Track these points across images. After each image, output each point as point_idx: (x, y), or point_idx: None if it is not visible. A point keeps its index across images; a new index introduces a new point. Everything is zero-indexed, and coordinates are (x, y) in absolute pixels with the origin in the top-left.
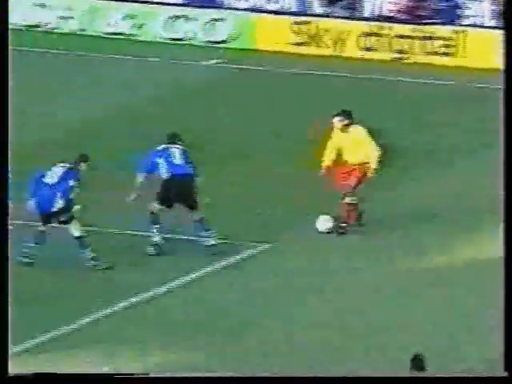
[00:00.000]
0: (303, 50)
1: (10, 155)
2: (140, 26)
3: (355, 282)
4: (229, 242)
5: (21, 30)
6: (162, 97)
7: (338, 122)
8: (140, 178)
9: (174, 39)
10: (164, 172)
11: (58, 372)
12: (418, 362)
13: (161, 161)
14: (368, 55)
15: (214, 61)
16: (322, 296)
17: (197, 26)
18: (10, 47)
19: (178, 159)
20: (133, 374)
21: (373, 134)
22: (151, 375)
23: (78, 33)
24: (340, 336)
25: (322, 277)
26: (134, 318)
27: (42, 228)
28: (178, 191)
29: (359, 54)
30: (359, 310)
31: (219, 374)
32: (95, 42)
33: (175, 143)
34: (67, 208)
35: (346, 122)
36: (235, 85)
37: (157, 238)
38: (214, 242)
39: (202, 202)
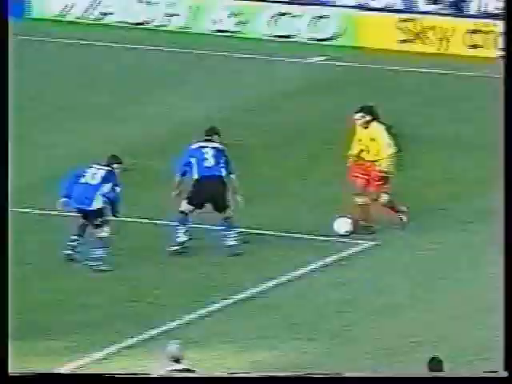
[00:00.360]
0: (408, 47)
1: (10, 157)
2: (245, 23)
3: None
4: (333, 240)
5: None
6: (269, 94)
7: (358, 118)
8: (176, 178)
9: (278, 36)
10: (195, 173)
11: (58, 372)
12: (436, 363)
13: (193, 161)
14: (473, 52)
15: (318, 58)
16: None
17: (301, 24)
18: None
19: (209, 160)
20: (135, 374)
21: (391, 132)
22: (149, 375)
23: (183, 30)
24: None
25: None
26: (238, 315)
27: (83, 221)
28: (207, 193)
29: (465, 51)
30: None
31: (219, 374)
32: (200, 39)
33: (212, 140)
34: (104, 210)
35: (366, 118)
36: (339, 82)
37: (182, 238)
38: (233, 243)
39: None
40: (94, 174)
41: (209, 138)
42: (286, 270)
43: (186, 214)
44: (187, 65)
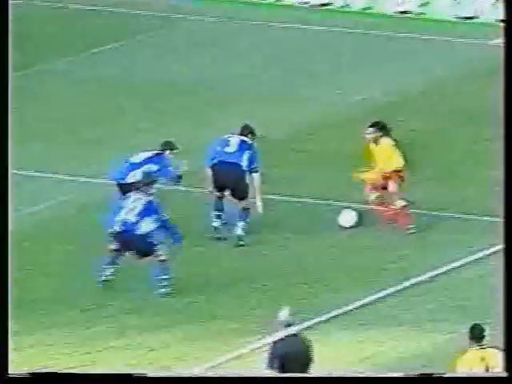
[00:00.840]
0: None
1: (10, 153)
2: (426, 4)
3: None
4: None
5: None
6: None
7: (368, 134)
8: (207, 171)
9: (462, 17)
10: (215, 158)
11: (59, 372)
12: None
13: (218, 148)
14: None
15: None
16: None
17: (485, 4)
18: None
19: (231, 147)
20: (131, 375)
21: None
22: (149, 375)
23: (365, 12)
24: None
25: None
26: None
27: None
28: (224, 178)
29: None
30: None
31: (219, 374)
32: (382, 20)
33: (246, 135)
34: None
35: (376, 134)
36: None
37: (216, 223)
38: (241, 233)
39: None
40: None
41: (243, 136)
42: (460, 253)
43: (220, 198)
44: (366, 46)
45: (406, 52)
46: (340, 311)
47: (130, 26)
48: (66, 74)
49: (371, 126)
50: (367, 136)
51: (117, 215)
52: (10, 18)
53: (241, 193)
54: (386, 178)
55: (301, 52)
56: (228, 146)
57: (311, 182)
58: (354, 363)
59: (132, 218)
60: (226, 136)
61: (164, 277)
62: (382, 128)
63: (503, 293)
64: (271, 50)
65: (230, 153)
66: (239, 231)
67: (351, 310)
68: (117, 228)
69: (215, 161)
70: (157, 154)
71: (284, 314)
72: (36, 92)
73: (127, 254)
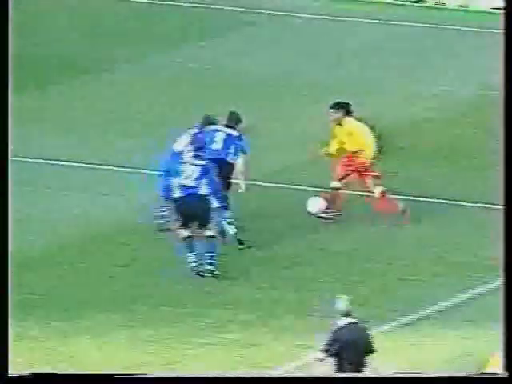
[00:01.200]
0: None
1: (9, 151)
2: None
3: None
4: None
5: None
6: None
7: (330, 114)
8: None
9: None
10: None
11: (59, 372)
12: None
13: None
14: None
15: None
16: None
17: None
18: None
19: (217, 143)
20: (132, 374)
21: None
22: (149, 375)
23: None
24: None
25: None
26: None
27: None
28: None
29: None
30: None
31: (219, 374)
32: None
33: (232, 126)
34: None
35: (338, 114)
36: None
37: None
38: (233, 232)
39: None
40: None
41: (231, 125)
42: None
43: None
44: (462, 42)
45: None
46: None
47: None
48: (161, 70)
49: (331, 107)
50: (330, 117)
51: (174, 181)
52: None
53: (226, 185)
54: (361, 174)
55: (402, 47)
56: (214, 142)
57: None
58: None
59: (191, 182)
60: (213, 128)
61: (211, 254)
62: (341, 107)
63: (503, 291)
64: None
65: (216, 150)
66: (232, 230)
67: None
68: (177, 193)
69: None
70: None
71: (342, 303)
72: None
73: (190, 226)
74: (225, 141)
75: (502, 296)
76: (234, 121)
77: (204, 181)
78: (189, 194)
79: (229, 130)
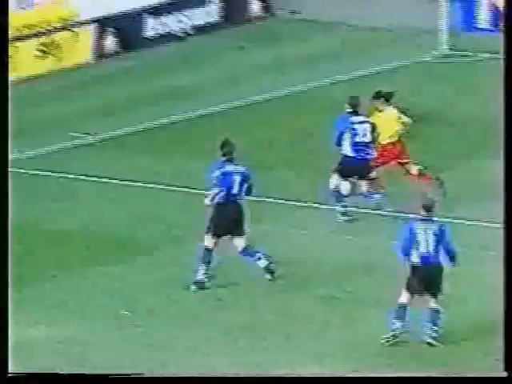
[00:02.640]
0: None
1: (9, 151)
2: None
3: None
4: None
5: None
6: None
7: (372, 103)
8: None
9: None
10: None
11: (58, 372)
12: None
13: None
14: None
15: None
16: None
17: None
18: None
19: (235, 188)
20: (129, 375)
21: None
22: (147, 375)
23: None
24: None
25: None
26: None
27: None
28: (228, 221)
29: None
30: None
31: (218, 374)
32: None
33: (230, 159)
34: None
35: (377, 102)
36: None
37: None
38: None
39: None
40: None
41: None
42: None
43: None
44: None
45: None
46: None
47: None
48: None
49: (375, 98)
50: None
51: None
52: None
53: (241, 231)
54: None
55: None
56: (232, 187)
57: None
58: None
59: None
60: (226, 168)
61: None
62: (380, 97)
63: (503, 293)
64: None
65: (234, 194)
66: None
67: None
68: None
69: (220, 200)
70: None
71: None
72: None
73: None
74: (240, 183)
75: (502, 296)
76: (230, 153)
77: (242, 189)
78: (232, 201)
79: (240, 168)
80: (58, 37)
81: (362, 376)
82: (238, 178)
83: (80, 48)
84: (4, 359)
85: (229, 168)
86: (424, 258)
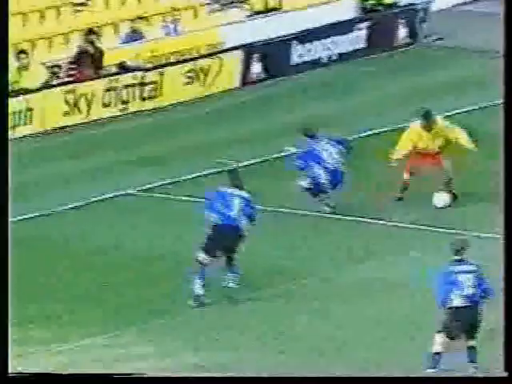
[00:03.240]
0: None
1: (9, 155)
2: None
3: None
4: None
5: None
6: None
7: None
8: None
9: None
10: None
11: (58, 372)
12: None
13: (220, 209)
14: None
15: None
16: None
17: None
18: None
19: (233, 211)
20: (130, 375)
21: None
22: (148, 375)
23: None
24: None
25: None
26: None
27: None
28: (224, 242)
29: None
30: None
31: (217, 374)
32: None
33: (238, 185)
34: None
35: (427, 122)
36: None
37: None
38: (232, 285)
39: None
40: None
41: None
42: None
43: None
44: None
45: None
46: None
47: None
48: None
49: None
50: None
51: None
52: None
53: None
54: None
55: None
56: (230, 208)
57: None
58: None
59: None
60: (223, 190)
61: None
62: (429, 115)
63: (503, 292)
64: None
65: (231, 217)
66: (231, 284)
67: None
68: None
69: (215, 222)
70: None
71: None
72: None
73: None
74: (240, 206)
75: (502, 296)
76: (238, 179)
77: (244, 213)
78: (227, 224)
79: (243, 193)
80: (206, 63)
81: (362, 376)
82: (237, 202)
83: (226, 75)
84: (4, 359)
85: (230, 191)
86: (467, 300)
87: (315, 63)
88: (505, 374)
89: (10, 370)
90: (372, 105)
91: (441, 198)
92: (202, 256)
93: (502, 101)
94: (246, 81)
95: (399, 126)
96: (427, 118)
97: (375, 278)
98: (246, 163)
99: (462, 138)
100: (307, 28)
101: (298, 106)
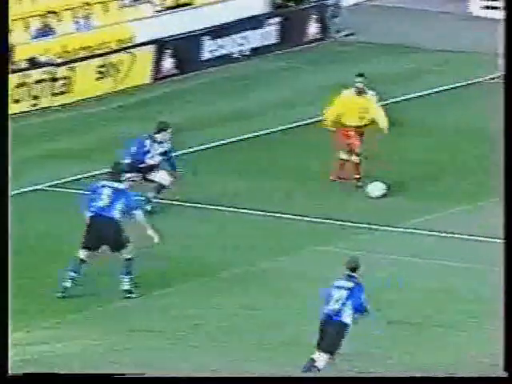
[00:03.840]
0: None
1: (9, 151)
2: None
3: None
4: None
5: None
6: None
7: (359, 82)
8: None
9: None
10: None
11: (58, 372)
12: None
13: (93, 202)
14: None
15: None
16: None
17: None
18: None
19: (103, 200)
20: (130, 375)
21: None
22: (148, 375)
23: None
24: None
25: None
26: None
27: None
28: (100, 233)
29: None
30: None
31: (215, 374)
32: None
33: (116, 179)
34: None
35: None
36: None
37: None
38: (128, 288)
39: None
40: None
41: (115, 173)
42: None
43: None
44: None
45: None
46: None
47: None
48: None
49: (360, 75)
50: (357, 88)
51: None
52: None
53: (119, 244)
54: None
55: None
56: (101, 199)
57: None
58: None
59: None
60: (99, 184)
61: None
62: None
63: (503, 291)
64: None
65: (102, 207)
66: (127, 286)
67: None
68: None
69: (92, 213)
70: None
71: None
72: None
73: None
74: (110, 196)
75: (502, 296)
76: (118, 172)
77: (117, 203)
78: (99, 214)
79: (116, 184)
80: (117, 59)
81: (362, 376)
82: (107, 192)
83: (138, 70)
84: (4, 359)
85: (103, 183)
86: (324, 314)
87: (227, 58)
88: (505, 374)
89: (9, 370)
90: (283, 100)
91: (376, 188)
92: (80, 252)
93: (412, 95)
94: (157, 76)
95: (310, 121)
96: (361, 81)
97: (293, 272)
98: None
99: (381, 116)
100: (218, 23)
101: (209, 101)
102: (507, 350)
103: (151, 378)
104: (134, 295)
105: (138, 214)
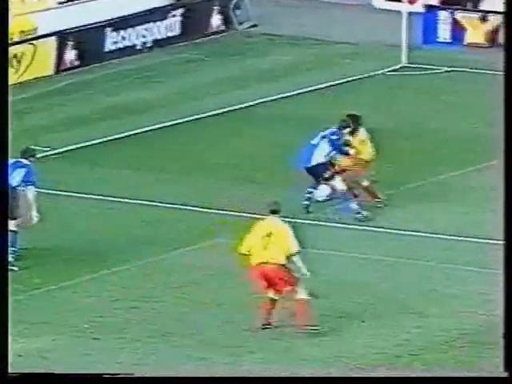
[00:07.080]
0: None
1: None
2: None
3: None
4: None
5: None
6: None
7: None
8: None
9: None
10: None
11: (57, 372)
12: None
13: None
14: None
15: None
16: None
17: None
18: None
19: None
20: (128, 375)
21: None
22: (148, 375)
23: None
24: None
25: None
26: None
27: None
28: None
29: None
30: None
31: (214, 374)
32: None
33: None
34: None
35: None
36: None
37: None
38: (10, 260)
39: None
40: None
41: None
42: None
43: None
44: None
45: None
46: None
47: None
48: None
49: (345, 121)
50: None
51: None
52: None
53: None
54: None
55: None
56: (12, 175)
57: None
58: None
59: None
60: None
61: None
62: (357, 120)
63: (503, 291)
64: None
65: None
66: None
67: None
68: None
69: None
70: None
71: None
72: None
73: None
74: (12, 167)
75: (502, 296)
76: (28, 154)
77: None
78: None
79: (24, 160)
80: (19, 50)
81: (362, 376)
82: (17, 166)
83: (40, 61)
84: (4, 359)
85: (14, 161)
86: None
87: (130, 50)
88: (505, 374)
89: (9, 370)
90: (186, 91)
91: (322, 190)
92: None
93: (311, 88)
94: (60, 68)
95: (213, 112)
96: (355, 123)
97: (199, 264)
98: (64, 149)
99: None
100: (121, 15)
101: (112, 93)
102: (507, 350)
103: (152, 378)
104: (15, 268)
105: (31, 189)
